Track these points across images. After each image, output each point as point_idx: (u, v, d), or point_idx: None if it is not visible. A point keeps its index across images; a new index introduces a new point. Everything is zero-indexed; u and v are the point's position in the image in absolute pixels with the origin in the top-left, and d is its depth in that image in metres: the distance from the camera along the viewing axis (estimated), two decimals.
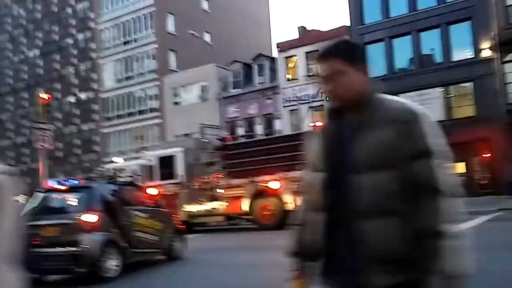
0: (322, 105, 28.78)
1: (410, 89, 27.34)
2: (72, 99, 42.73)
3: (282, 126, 31.64)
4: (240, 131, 33.62)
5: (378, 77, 28.64)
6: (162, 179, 16.55)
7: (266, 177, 14.51)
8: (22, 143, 44.41)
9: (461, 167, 27.25)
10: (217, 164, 16.01)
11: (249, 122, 33.61)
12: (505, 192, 22.64)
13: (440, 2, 27.23)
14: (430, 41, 27.50)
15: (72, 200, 8.10)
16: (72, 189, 8.66)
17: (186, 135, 35.16)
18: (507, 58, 25.04)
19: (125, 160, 19.71)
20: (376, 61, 28.90)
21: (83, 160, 40.90)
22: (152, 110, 38.37)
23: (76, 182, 17.10)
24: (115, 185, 8.90)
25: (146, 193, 10.60)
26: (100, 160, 37.03)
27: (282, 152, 14.39)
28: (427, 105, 27.06)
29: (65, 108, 42.98)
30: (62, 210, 7.93)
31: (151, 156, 17.21)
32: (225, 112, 34.46)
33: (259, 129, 32.98)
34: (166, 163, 16.57)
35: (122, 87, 39.85)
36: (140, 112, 38.95)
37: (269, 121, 32.86)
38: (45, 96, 18.01)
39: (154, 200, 9.75)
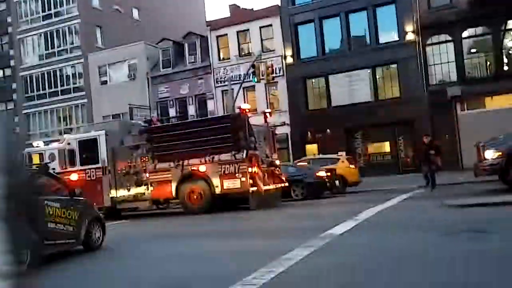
0: (253, 86, 28.68)
1: (340, 70, 27.94)
2: None
3: (215, 107, 31.23)
4: (172, 111, 32.79)
5: (309, 58, 28.96)
6: (83, 164, 15.64)
7: (193, 161, 14.13)
8: None
9: (386, 147, 28.43)
10: (142, 147, 15.38)
11: (181, 103, 32.82)
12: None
13: None
14: (359, 23, 28.08)
15: None
16: None
17: (115, 116, 33.80)
18: (429, 41, 26.14)
19: (45, 143, 18.39)
20: (307, 42, 29.15)
21: None
22: (76, 89, 36.36)
23: None
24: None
25: (62, 180, 9.87)
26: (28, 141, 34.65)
27: (208, 134, 14.04)
28: (355, 86, 27.83)
29: None
30: None
31: (71, 140, 16.19)
32: (156, 92, 33.38)
33: (191, 109, 32.34)
34: (88, 147, 15.64)
35: (44, 65, 37.32)
36: (64, 91, 36.77)
37: (201, 101, 32.26)
38: None
39: (70, 188, 9.06)
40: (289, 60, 29.44)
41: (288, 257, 6.02)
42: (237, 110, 15.87)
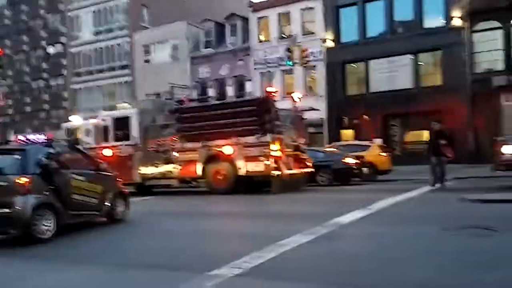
0: (291, 69, 28.51)
1: (381, 55, 27.25)
2: (40, 52, 41.35)
3: (253, 89, 31.34)
4: (211, 92, 33.22)
5: (349, 42, 28.38)
6: (117, 140, 16.29)
7: (219, 142, 14.39)
8: None
9: (425, 135, 27.60)
10: (172, 126, 15.79)
11: (220, 83, 33.16)
12: (466, 161, 23.12)
13: None
14: (403, 7, 27.15)
15: (8, 162, 8.02)
16: (9, 151, 8.49)
17: (157, 94, 34.63)
18: (477, 28, 24.96)
19: (84, 119, 19.21)
20: (348, 26, 28.57)
21: (52, 116, 40.06)
22: (122, 67, 37.46)
23: (41, 138, 16.55)
24: (52, 147, 8.69)
25: (89, 155, 10.39)
26: (68, 116, 36.27)
27: (235, 117, 14.22)
28: (396, 72, 27.11)
29: (33, 61, 41.66)
30: None
31: (106, 117, 16.86)
32: (196, 72, 33.86)
33: (230, 90, 32.62)
34: (121, 124, 16.24)
35: (93, 42, 38.65)
36: (111, 68, 38.00)
37: (240, 83, 32.46)
38: None
39: (96, 163, 9.56)
40: (330, 43, 28.98)
41: (284, 243, 6.19)
42: (263, 94, 15.91)
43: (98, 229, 8.81)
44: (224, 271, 4.91)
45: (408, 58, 26.96)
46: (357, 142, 21.36)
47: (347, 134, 28.35)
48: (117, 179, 10.00)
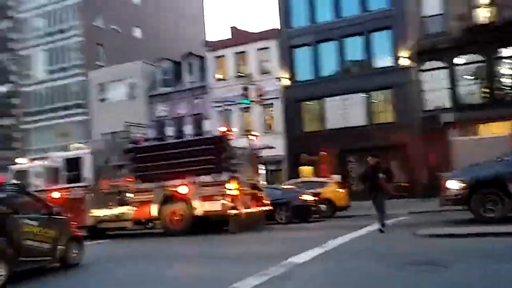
0: (249, 107, 28.83)
1: (335, 93, 28.04)
2: None
3: (211, 127, 31.32)
4: (169, 130, 32.96)
5: (304, 81, 29.14)
6: (68, 182, 15.73)
7: (175, 182, 14.16)
8: None
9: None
10: (126, 167, 15.43)
11: (178, 122, 33.00)
12: (420, 195, 23.75)
13: (363, 11, 28.06)
14: (354, 48, 28.27)
15: None
16: None
17: (113, 133, 34.02)
18: (424, 67, 26.25)
19: (33, 160, 18.49)
20: (303, 65, 29.39)
21: (1, 158, 38.39)
22: (77, 105, 36.71)
23: None
24: (2, 191, 8.32)
25: (41, 198, 9.96)
26: (17, 158, 34.90)
27: (191, 156, 14.08)
28: (350, 110, 27.90)
29: None
30: None
31: (58, 157, 16.31)
32: (154, 110, 33.63)
33: (188, 129, 32.48)
34: (73, 165, 15.75)
35: (46, 81, 37.85)
36: (65, 107, 37.16)
37: (198, 121, 32.42)
38: None
39: (48, 207, 9.19)
40: (285, 82, 29.63)
41: (237, 286, 6.05)
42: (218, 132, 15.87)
43: (49, 276, 8.37)
44: None
45: (360, 96, 27.86)
46: (314, 178, 21.58)
47: (306, 170, 28.64)
48: (70, 222, 9.65)
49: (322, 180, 20.52)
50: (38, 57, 38.53)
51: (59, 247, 8.74)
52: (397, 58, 26.96)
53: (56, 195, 14.92)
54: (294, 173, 27.72)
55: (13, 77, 38.90)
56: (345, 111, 27.96)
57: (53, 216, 8.93)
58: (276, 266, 7.27)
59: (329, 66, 28.98)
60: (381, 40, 27.58)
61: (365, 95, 27.84)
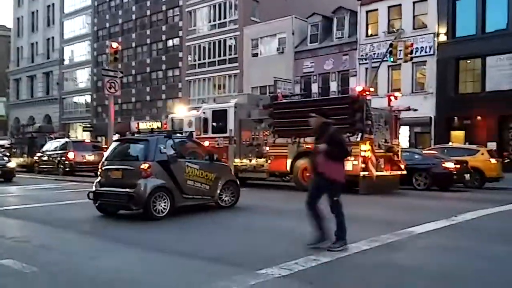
0: (399, 65, 27.23)
1: (500, 51, 24.88)
2: (160, 45, 44.66)
3: (357, 84, 30.56)
4: (314, 86, 33.13)
5: (465, 36, 26.27)
6: (214, 132, 17.18)
7: (309, 139, 14.39)
8: None
9: None
10: (265, 121, 16.17)
11: (324, 78, 32.89)
12: None
13: None
14: None
15: (134, 150, 9.66)
16: (136, 141, 9.97)
17: (262, 87, 35.51)
18: None
19: (191, 109, 20.47)
20: (465, 19, 26.50)
21: (168, 105, 43.10)
22: (231, 60, 38.93)
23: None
24: (171, 138, 9.70)
25: (204, 146, 11.41)
26: (179, 106, 38.73)
27: (326, 115, 14.00)
28: None
29: (154, 54, 45.15)
30: (126, 158, 9.59)
31: (206, 109, 17.81)
32: (301, 66, 33.96)
33: (333, 86, 32.22)
34: (219, 117, 17.09)
35: (206, 36, 40.70)
36: (221, 61, 39.73)
37: (344, 78, 31.88)
38: (114, 44, 19.13)
39: (211, 153, 10.49)
40: (442, 38, 27.13)
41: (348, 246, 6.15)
42: (354, 92, 15.46)
43: (210, 213, 9.72)
44: (273, 271, 5.01)
45: None
46: (463, 145, 19.84)
47: (457, 135, 26.37)
48: (230, 168, 10.80)
49: (472, 147, 18.77)
50: (202, 13, 41.41)
51: (217, 189, 10.04)
52: None
53: (205, 143, 16.41)
54: (443, 138, 25.77)
55: (180, 32, 42.60)
56: (510, 72, 24.68)
57: (214, 162, 10.21)
58: (389, 234, 7.11)
59: (497, 19, 25.54)
60: None
61: None
